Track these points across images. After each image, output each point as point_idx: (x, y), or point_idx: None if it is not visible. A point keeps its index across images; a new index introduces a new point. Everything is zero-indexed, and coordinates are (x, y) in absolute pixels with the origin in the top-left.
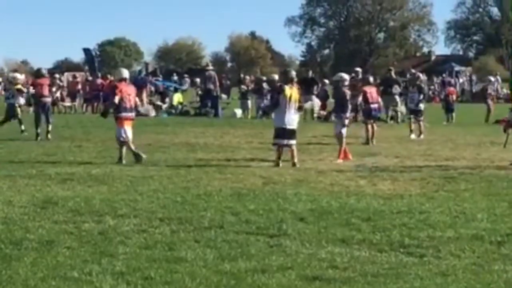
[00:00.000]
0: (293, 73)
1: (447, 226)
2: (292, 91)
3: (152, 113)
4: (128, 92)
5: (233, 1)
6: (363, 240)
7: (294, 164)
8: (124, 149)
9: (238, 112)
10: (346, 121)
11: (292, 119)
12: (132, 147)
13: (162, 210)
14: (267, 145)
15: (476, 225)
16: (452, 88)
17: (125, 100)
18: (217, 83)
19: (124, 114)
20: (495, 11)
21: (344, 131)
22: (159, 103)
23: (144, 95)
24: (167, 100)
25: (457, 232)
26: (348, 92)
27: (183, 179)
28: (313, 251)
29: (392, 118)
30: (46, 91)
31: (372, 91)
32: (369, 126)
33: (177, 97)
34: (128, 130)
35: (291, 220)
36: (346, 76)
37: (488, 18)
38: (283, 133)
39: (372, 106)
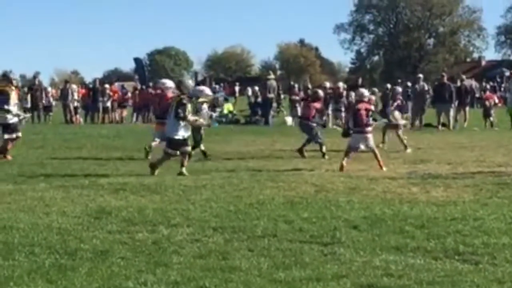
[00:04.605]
0: None
1: (502, 233)
2: None
3: None
4: None
5: (282, 9)
6: (418, 247)
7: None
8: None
9: (289, 120)
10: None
11: None
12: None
13: (215, 219)
14: (318, 153)
15: None
16: (488, 93)
17: None
18: (276, 92)
19: None
20: None
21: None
22: (210, 112)
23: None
24: (217, 109)
25: None
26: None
27: (235, 188)
28: (368, 259)
29: (444, 124)
30: None
31: None
32: None
33: (227, 106)
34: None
35: (345, 228)
36: (365, 93)
37: None
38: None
39: None
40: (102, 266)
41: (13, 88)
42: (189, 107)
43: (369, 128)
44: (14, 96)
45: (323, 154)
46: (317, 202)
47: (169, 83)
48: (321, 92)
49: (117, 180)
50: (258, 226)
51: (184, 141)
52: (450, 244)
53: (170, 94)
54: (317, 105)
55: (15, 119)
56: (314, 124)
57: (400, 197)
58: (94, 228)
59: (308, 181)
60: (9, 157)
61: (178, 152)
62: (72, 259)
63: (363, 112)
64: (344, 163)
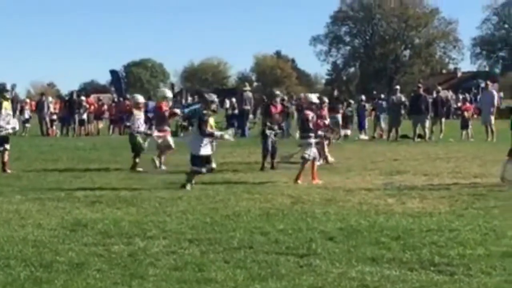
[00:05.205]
0: None
1: (477, 244)
2: None
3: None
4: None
5: (258, 21)
6: (393, 258)
7: None
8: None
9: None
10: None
11: None
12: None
13: (191, 231)
14: (295, 165)
15: (507, 242)
16: (468, 105)
17: None
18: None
19: None
20: None
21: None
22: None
23: None
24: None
25: (488, 250)
26: (309, 114)
27: (211, 199)
28: (343, 270)
29: (420, 136)
30: None
31: None
32: None
33: None
34: None
35: (321, 240)
36: (311, 98)
37: None
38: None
39: None
40: (78, 279)
41: (7, 99)
42: (211, 121)
43: (313, 135)
44: (7, 106)
45: (262, 166)
46: (293, 213)
47: (168, 93)
48: (278, 92)
49: (93, 192)
50: (234, 238)
51: (208, 158)
52: (425, 255)
53: (163, 105)
54: (274, 109)
55: (3, 133)
56: (269, 131)
57: (376, 208)
58: (70, 241)
59: (284, 192)
60: (8, 170)
61: (204, 170)
62: (47, 272)
63: (311, 119)
64: (315, 173)
